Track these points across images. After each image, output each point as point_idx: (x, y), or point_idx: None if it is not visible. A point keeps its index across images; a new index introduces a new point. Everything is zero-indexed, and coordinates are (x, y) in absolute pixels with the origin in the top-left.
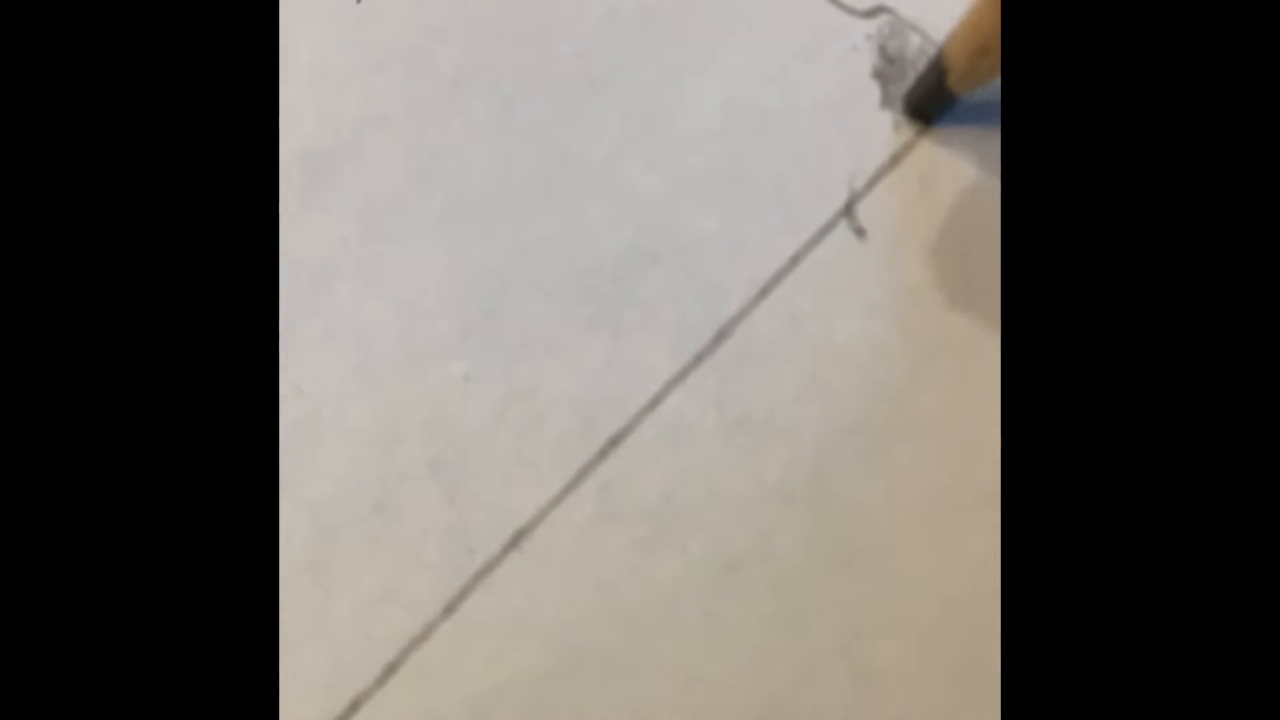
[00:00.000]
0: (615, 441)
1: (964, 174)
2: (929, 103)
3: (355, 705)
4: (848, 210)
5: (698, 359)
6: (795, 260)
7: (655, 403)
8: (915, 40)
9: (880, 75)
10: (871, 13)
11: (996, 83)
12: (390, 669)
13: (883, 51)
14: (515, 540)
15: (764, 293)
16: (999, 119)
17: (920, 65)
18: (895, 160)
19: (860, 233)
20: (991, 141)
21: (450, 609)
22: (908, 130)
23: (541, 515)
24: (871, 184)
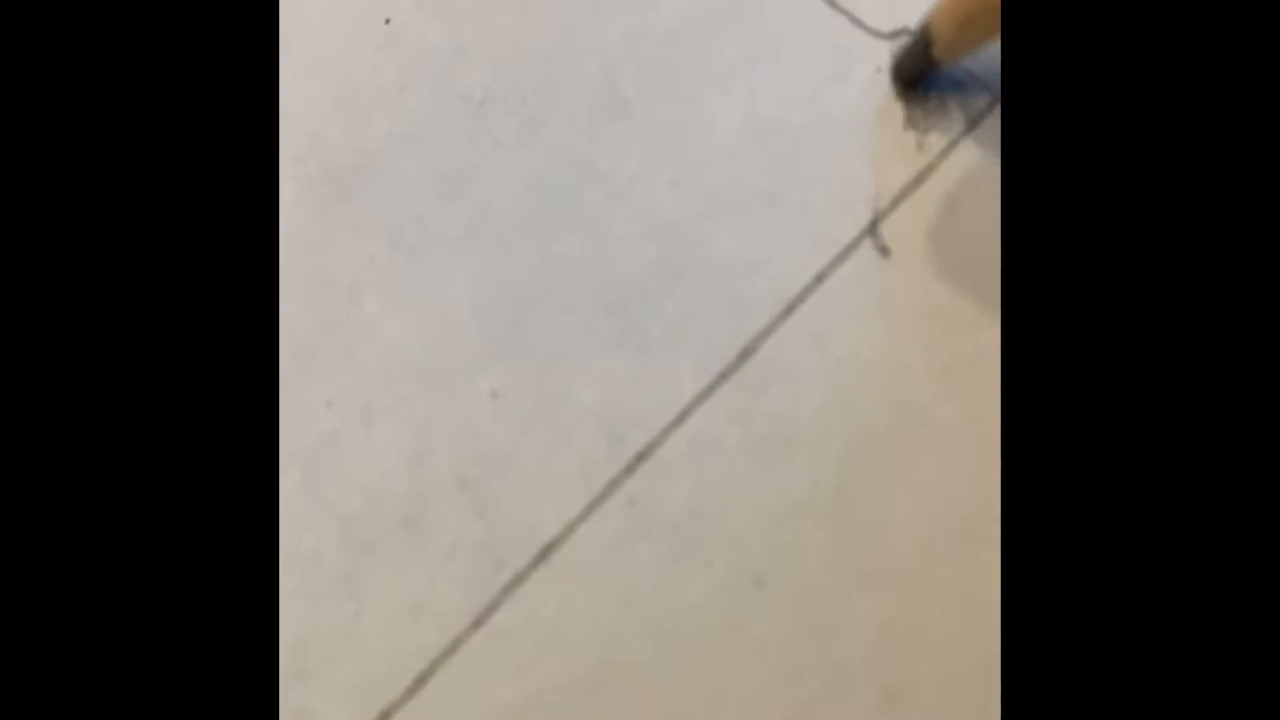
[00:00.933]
0: (642, 457)
1: (987, 193)
2: (915, 71)
3: (385, 715)
4: (872, 229)
5: (723, 375)
6: (820, 278)
7: (681, 419)
8: None
9: (904, 96)
10: (895, 35)
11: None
12: (420, 680)
13: None
14: (543, 554)
15: (789, 310)
16: None
17: (942, 85)
18: (919, 179)
19: (884, 251)
20: None
21: (479, 622)
22: (932, 150)
23: (569, 529)
24: (896, 203)
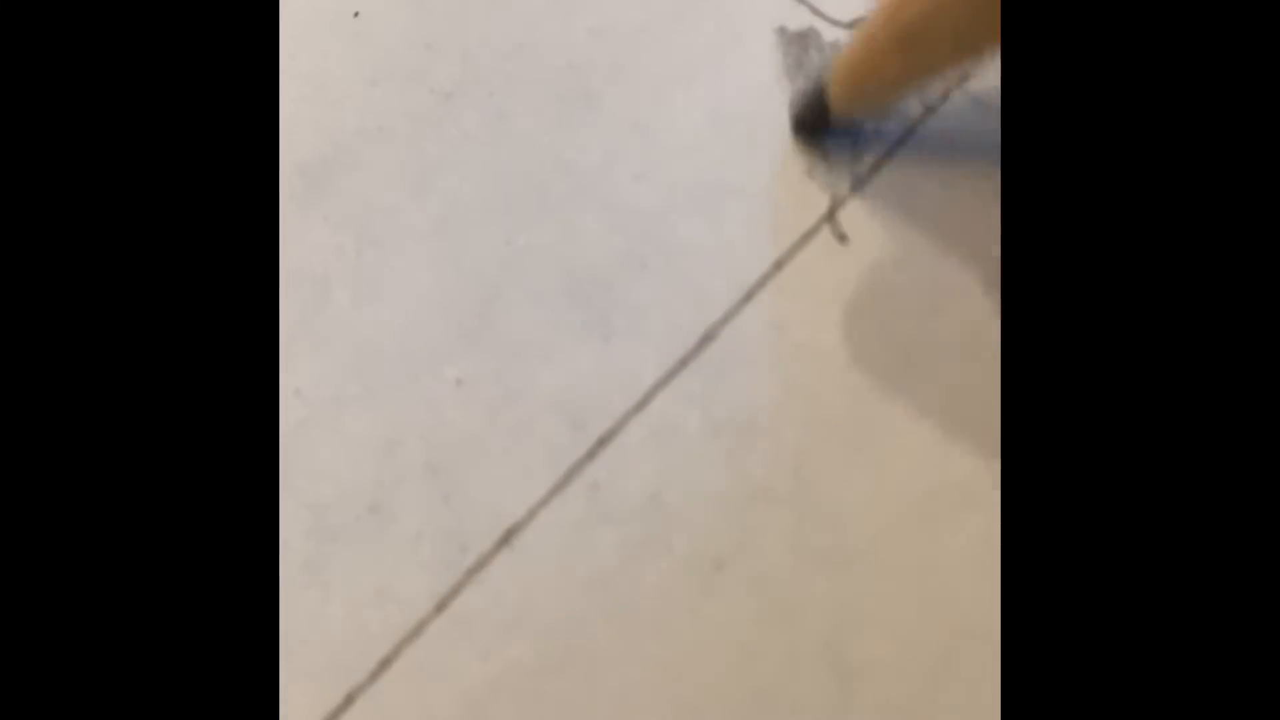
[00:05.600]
0: (603, 442)
1: (943, 180)
2: (813, 123)
3: (350, 699)
4: (830, 216)
5: (683, 362)
6: (779, 265)
7: (642, 404)
8: None
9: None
10: (853, 24)
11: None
12: (384, 664)
13: None
14: (506, 538)
15: (748, 297)
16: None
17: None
18: (876, 168)
19: (842, 238)
20: (970, 150)
21: (442, 606)
22: (890, 139)
23: (531, 514)
24: (854, 191)
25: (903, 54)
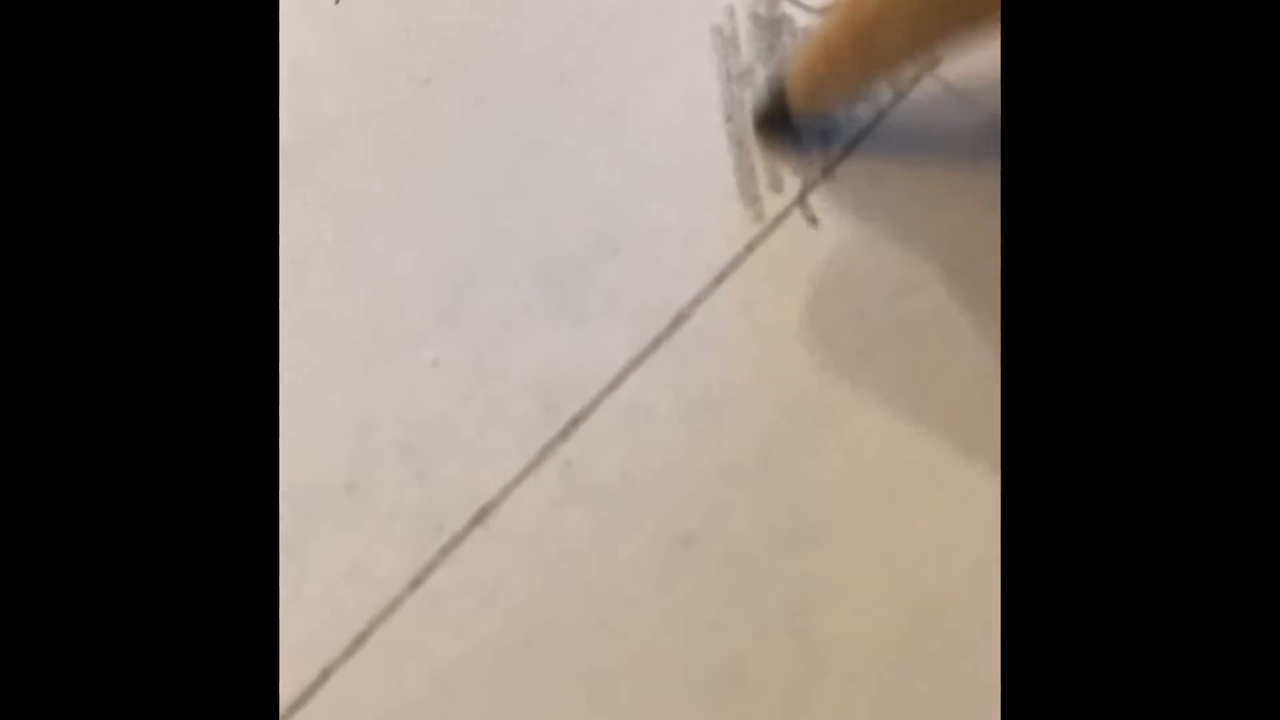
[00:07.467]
0: (576, 422)
1: (913, 164)
2: (773, 119)
3: (325, 675)
4: (801, 199)
5: (656, 343)
6: (750, 247)
7: (615, 384)
8: None
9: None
10: (827, 10)
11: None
12: (359, 640)
13: None
14: (480, 516)
15: (720, 279)
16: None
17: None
18: (848, 152)
19: (813, 221)
20: (940, 135)
21: (416, 583)
22: (860, 123)
23: (505, 493)
24: (825, 174)
25: (859, 53)
